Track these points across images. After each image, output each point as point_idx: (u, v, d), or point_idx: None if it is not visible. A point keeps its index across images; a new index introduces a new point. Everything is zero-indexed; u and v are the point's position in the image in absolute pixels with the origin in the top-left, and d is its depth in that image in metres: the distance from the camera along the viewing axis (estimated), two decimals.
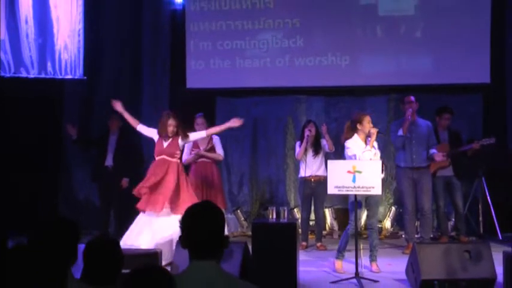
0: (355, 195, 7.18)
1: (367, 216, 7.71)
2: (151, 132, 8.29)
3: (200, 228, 2.80)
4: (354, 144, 7.56)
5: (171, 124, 8.09)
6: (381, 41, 10.52)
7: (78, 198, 10.75)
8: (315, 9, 10.59)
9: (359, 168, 7.00)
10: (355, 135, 7.63)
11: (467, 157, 9.18)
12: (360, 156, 7.40)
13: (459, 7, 10.33)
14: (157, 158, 8.16)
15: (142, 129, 8.35)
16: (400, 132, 8.74)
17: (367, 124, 7.59)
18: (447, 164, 9.19)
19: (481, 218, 9.96)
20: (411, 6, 10.44)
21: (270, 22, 10.69)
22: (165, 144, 8.14)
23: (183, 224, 2.83)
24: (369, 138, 7.60)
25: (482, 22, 10.23)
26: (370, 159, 7.37)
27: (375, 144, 7.60)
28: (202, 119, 9.21)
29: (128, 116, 8.44)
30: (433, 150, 8.85)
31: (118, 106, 8.39)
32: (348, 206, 7.84)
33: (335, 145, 9.05)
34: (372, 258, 7.59)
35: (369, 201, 7.57)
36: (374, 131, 7.56)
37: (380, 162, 7.15)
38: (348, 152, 7.56)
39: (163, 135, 8.15)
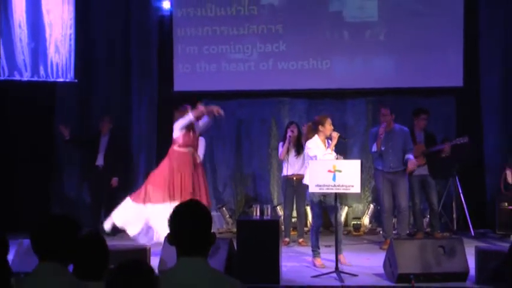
0: (336, 195, 7.23)
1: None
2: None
3: (187, 226, 2.79)
4: (315, 145, 7.59)
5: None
6: (359, 46, 10.56)
7: (69, 196, 10.71)
8: (295, 16, 10.63)
9: (339, 167, 7.02)
10: (316, 136, 7.66)
11: (440, 157, 9.25)
12: (321, 158, 7.43)
13: (433, 13, 10.41)
14: (185, 150, 8.23)
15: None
16: (374, 149, 8.78)
17: (328, 126, 7.63)
18: (423, 163, 9.26)
19: (454, 215, 10.05)
20: (375, 12, 10.52)
21: (254, 28, 10.71)
22: (191, 134, 8.27)
23: (171, 222, 2.82)
24: (329, 141, 7.63)
25: (455, 28, 10.32)
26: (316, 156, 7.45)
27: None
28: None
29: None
30: (408, 156, 8.84)
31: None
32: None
33: None
34: (339, 252, 7.58)
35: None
36: (335, 135, 7.57)
37: (359, 162, 7.19)
38: (309, 152, 7.59)
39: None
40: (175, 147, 8.27)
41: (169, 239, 2.83)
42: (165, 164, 8.25)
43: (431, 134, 9.50)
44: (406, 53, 10.43)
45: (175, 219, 2.82)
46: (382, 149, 8.70)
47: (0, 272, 2.31)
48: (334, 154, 7.55)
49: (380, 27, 10.54)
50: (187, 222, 2.80)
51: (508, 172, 8.33)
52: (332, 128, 7.65)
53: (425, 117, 9.39)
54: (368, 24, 10.55)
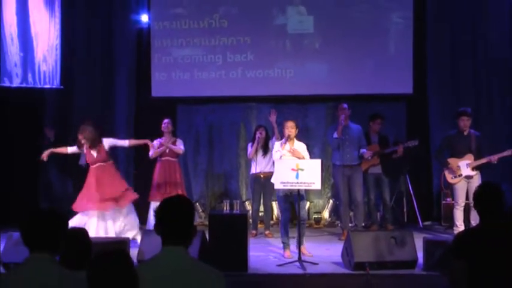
0: (298, 191, 7.27)
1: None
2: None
3: (174, 218, 2.84)
4: (278, 146, 7.74)
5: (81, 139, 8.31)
6: (317, 56, 10.64)
7: (55, 193, 10.61)
8: (261, 29, 10.68)
9: (301, 166, 7.09)
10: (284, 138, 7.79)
11: (393, 158, 9.36)
12: (277, 158, 7.57)
13: (386, 27, 10.55)
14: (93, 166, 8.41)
15: (71, 150, 8.54)
16: (335, 135, 8.86)
17: (289, 128, 7.69)
18: (377, 163, 9.37)
19: (405, 209, 10.17)
20: (311, 25, 10.62)
21: (224, 39, 10.72)
22: (97, 151, 8.37)
23: (159, 213, 2.87)
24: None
25: (406, 40, 10.46)
26: (280, 156, 7.54)
27: (303, 146, 7.74)
28: (168, 124, 9.24)
29: (57, 150, 8.54)
30: (363, 150, 8.99)
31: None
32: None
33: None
34: (301, 243, 7.57)
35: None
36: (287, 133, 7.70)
37: (319, 161, 7.24)
38: (273, 152, 7.83)
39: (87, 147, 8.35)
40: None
41: (156, 229, 2.87)
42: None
43: (384, 137, 9.61)
44: (366, 65, 10.52)
45: (162, 211, 2.87)
46: (343, 138, 8.79)
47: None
48: (285, 152, 7.63)
49: (344, 41, 10.58)
50: (173, 214, 2.85)
51: (445, 172, 8.48)
52: (292, 130, 7.66)
53: (380, 122, 9.52)
54: (305, 36, 10.67)
